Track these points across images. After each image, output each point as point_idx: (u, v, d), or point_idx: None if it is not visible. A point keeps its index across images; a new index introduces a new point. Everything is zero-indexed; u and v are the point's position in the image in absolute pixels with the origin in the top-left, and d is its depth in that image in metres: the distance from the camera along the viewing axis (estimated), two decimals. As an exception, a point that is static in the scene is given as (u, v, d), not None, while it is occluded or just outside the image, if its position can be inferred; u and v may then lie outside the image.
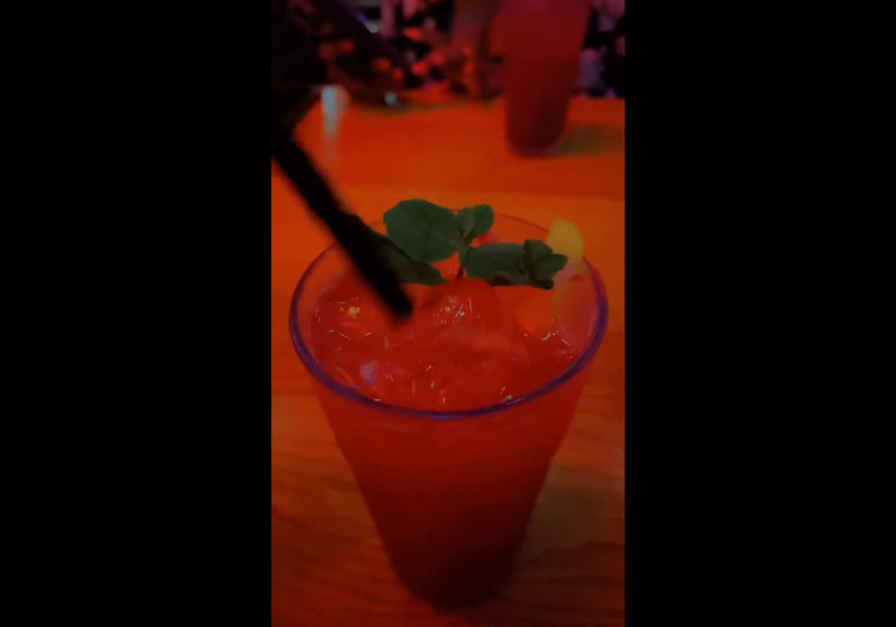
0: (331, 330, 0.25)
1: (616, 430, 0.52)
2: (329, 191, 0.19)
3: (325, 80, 1.13)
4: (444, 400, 0.22)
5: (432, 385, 0.22)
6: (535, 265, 0.25)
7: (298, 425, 0.53)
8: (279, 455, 0.51)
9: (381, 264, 0.21)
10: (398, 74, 1.08)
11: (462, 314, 0.23)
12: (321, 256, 0.28)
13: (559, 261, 0.25)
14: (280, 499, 0.48)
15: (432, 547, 0.37)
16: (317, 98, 1.13)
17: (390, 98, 1.11)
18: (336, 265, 0.28)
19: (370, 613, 0.41)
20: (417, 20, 1.20)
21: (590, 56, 1.15)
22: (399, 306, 0.22)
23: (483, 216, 0.27)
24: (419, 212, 0.26)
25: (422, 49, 1.18)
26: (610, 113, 1.04)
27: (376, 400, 0.22)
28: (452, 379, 0.22)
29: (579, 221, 0.31)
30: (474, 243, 0.28)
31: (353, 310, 0.25)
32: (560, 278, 0.26)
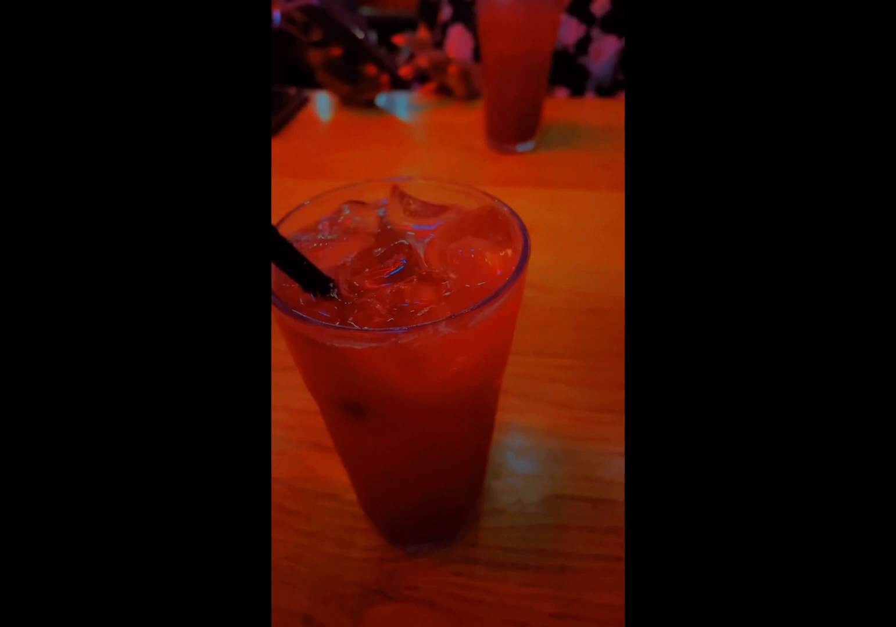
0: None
1: (579, 396, 0.56)
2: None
3: (310, 84, 1.17)
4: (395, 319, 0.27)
5: (382, 315, 0.26)
6: None
7: (283, 397, 0.57)
8: (265, 422, 0.54)
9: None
10: (385, 78, 1.13)
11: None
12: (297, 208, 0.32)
13: None
14: (265, 461, 0.51)
15: (400, 491, 0.40)
16: (307, 100, 1.17)
17: (380, 100, 1.16)
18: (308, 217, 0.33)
19: (346, 558, 0.44)
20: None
21: (612, 43, 1.15)
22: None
23: None
24: None
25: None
26: (585, 111, 1.08)
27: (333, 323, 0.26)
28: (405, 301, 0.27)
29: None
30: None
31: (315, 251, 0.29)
32: None
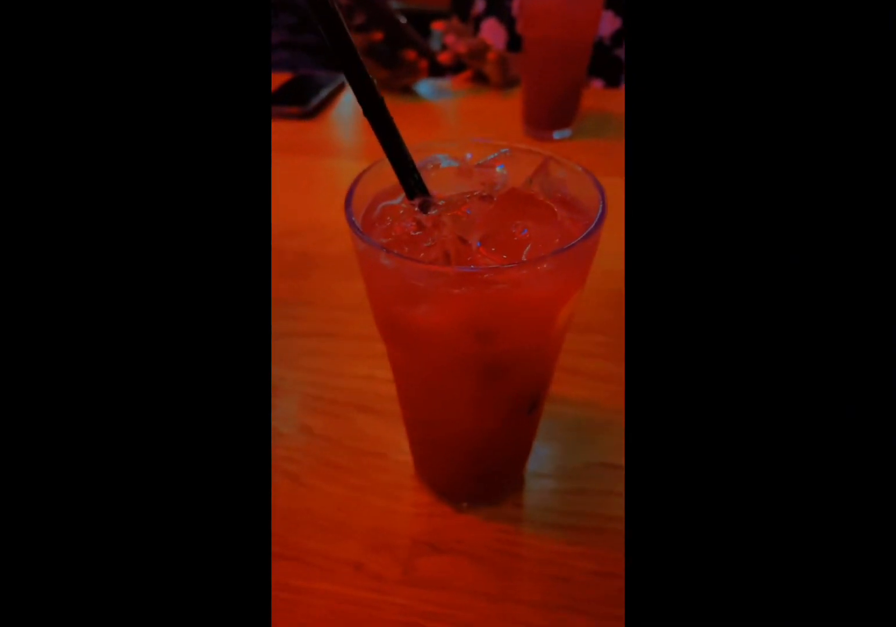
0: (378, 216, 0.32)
1: (617, 371, 0.57)
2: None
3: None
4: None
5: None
6: None
7: (330, 362, 0.59)
8: (314, 385, 0.57)
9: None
10: (423, 64, 1.14)
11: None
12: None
13: None
14: (314, 421, 0.53)
15: (455, 441, 0.42)
16: (343, 84, 1.19)
17: (418, 85, 1.17)
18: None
19: (395, 512, 0.46)
20: None
21: None
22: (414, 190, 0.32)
23: None
24: None
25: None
26: (621, 102, 1.09)
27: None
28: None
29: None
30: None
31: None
32: None
